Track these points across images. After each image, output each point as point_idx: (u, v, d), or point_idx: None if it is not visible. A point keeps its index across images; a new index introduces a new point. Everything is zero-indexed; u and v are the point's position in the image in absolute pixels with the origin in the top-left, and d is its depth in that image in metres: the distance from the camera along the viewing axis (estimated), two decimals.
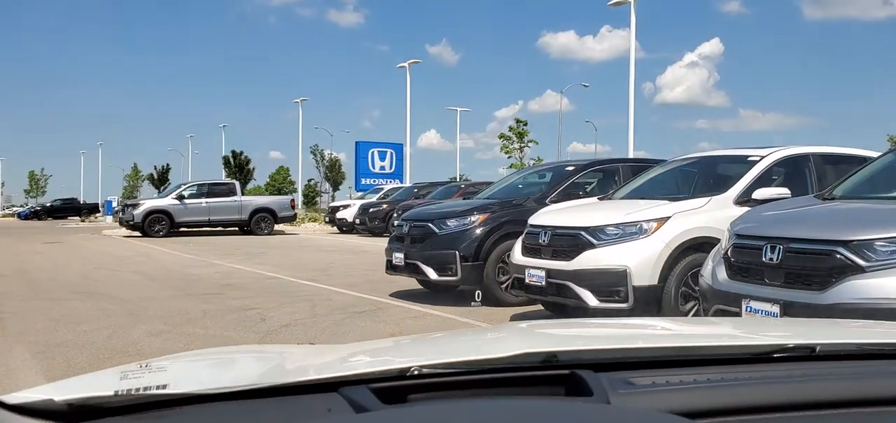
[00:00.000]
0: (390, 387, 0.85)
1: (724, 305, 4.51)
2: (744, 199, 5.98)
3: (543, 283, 6.35)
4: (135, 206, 24.01)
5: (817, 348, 1.02)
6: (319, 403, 0.83)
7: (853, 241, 3.92)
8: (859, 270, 3.84)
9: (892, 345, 1.10)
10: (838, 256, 3.92)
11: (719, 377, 0.92)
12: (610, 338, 1.29)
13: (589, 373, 0.87)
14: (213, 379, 1.02)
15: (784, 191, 5.87)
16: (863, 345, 1.09)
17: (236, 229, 24.08)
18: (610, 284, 5.90)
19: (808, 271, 4.07)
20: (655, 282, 5.83)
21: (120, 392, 0.80)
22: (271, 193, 55.40)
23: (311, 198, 68.84)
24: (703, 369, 0.96)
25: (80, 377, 1.00)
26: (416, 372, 0.87)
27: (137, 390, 0.81)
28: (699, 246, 5.80)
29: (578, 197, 8.13)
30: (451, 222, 8.16)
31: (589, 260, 6.03)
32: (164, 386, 0.83)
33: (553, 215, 6.78)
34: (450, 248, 7.92)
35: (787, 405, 0.84)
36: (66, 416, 0.77)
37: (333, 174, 67.51)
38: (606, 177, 8.80)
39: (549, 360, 0.93)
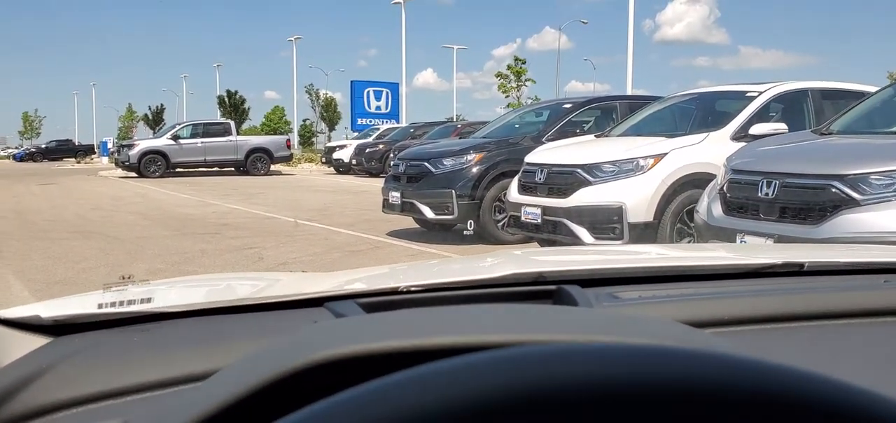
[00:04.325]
0: (378, 302, 0.85)
1: (719, 241, 4.52)
2: (741, 134, 5.95)
3: (539, 220, 6.36)
4: (130, 146, 23.92)
5: (806, 265, 1.02)
6: (305, 316, 0.83)
7: (848, 175, 3.92)
8: (854, 203, 3.84)
9: (878, 263, 1.11)
10: (834, 190, 3.92)
11: (706, 291, 0.92)
12: (601, 259, 1.29)
13: (575, 288, 0.87)
14: (199, 297, 1.02)
15: (781, 126, 5.85)
16: (850, 263, 1.09)
17: (232, 169, 24.01)
18: (605, 221, 5.91)
19: (803, 205, 4.08)
20: (651, 219, 5.85)
21: (103, 305, 0.80)
22: (267, 134, 55.12)
23: (307, 138, 68.39)
24: (690, 284, 0.96)
25: (67, 297, 1.01)
26: (404, 289, 0.88)
27: (122, 302, 0.81)
28: (696, 182, 5.79)
29: (576, 135, 8.09)
30: (448, 161, 8.13)
31: (584, 197, 6.03)
32: (149, 300, 0.83)
33: (549, 153, 6.76)
34: (446, 187, 7.91)
35: (775, 316, 0.84)
36: (52, 329, 0.78)
37: (329, 114, 66.93)
38: (604, 114, 8.75)
39: (538, 279, 0.93)
